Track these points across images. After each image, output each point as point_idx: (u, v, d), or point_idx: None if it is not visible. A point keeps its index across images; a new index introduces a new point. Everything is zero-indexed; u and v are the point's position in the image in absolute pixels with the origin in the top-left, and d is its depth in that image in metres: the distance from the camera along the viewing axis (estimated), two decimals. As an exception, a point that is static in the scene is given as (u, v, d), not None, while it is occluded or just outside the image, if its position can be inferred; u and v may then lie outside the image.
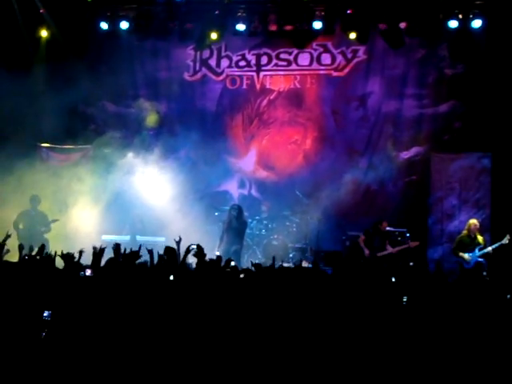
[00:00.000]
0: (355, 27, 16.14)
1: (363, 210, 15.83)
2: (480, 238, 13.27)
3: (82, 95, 16.35)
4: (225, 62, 17.12)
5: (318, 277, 7.18)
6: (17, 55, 15.91)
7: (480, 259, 13.21)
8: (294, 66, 16.98)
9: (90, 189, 15.62)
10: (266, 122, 17.11)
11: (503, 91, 15.30)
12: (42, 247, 8.63)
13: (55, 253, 7.89)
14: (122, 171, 15.76)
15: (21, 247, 9.47)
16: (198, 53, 17.17)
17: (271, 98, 17.09)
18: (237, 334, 5.85)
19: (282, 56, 16.97)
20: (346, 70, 16.73)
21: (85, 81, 16.03)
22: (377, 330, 5.95)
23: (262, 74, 17.08)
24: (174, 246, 8.96)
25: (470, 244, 13.19)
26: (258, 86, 17.10)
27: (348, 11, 15.96)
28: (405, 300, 6.58)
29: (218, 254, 11.04)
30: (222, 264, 7.68)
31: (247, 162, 17.03)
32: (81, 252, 8.32)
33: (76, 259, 7.81)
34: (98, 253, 7.82)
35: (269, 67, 17.05)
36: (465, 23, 15.47)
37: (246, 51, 17.04)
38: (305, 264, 14.45)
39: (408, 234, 14.68)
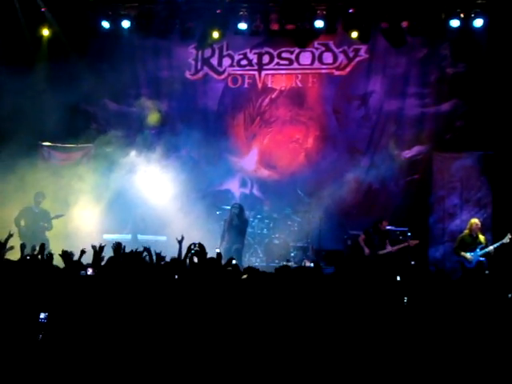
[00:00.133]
0: (357, 26, 16.14)
1: (365, 209, 15.83)
2: (482, 238, 13.25)
3: (84, 94, 16.36)
4: (226, 61, 17.13)
5: (320, 277, 7.18)
6: (18, 54, 15.90)
7: (482, 258, 13.20)
8: (295, 65, 16.97)
9: (92, 188, 15.62)
10: (268, 121, 17.11)
11: (505, 90, 15.28)
12: (43, 246, 8.62)
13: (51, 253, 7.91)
14: (123, 170, 15.75)
15: (23, 246, 9.48)
16: (200, 52, 17.16)
17: (273, 96, 17.09)
18: (238, 334, 5.85)
19: (284, 55, 16.97)
20: (348, 69, 16.73)
21: (86, 79, 16.03)
22: (380, 330, 5.94)
23: (263, 72, 17.08)
24: (176, 244, 8.99)
25: (471, 243, 13.17)
26: (259, 85, 17.10)
27: (350, 10, 15.96)
28: (405, 300, 6.57)
29: (218, 251, 11.02)
30: (223, 262, 7.69)
31: (249, 161, 17.03)
32: (82, 252, 8.32)
33: (76, 258, 7.81)
34: (97, 251, 7.83)
35: (270, 66, 17.05)
36: (466, 22, 15.47)
37: (248, 50, 17.04)
38: (306, 263, 14.47)
39: (409, 234, 14.68)
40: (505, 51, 15.23)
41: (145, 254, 7.84)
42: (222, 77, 17.19)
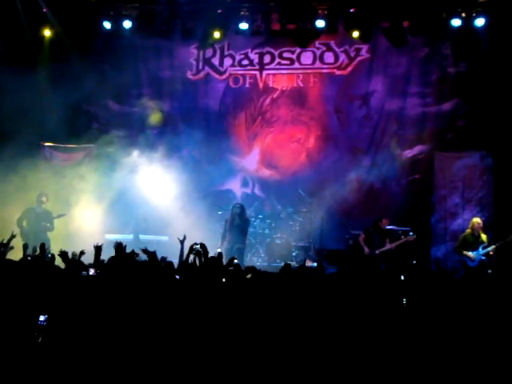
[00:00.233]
0: (358, 26, 16.15)
1: (366, 208, 15.81)
2: (484, 237, 13.23)
3: (86, 94, 16.38)
4: (228, 61, 17.14)
5: (322, 277, 7.19)
6: (20, 54, 15.90)
7: (483, 258, 13.19)
8: (296, 65, 16.98)
9: (94, 188, 15.64)
10: (269, 121, 17.12)
11: (506, 89, 15.27)
12: (43, 246, 8.64)
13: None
14: (125, 170, 15.76)
15: (25, 246, 9.50)
16: (201, 52, 17.18)
17: (274, 96, 17.10)
18: (240, 334, 5.85)
19: (285, 55, 16.98)
20: (349, 69, 16.73)
21: (88, 80, 16.05)
22: (383, 330, 5.95)
23: (264, 72, 17.09)
24: (178, 244, 9.00)
25: (473, 242, 13.15)
26: (260, 85, 17.11)
27: (351, 10, 15.96)
28: (404, 302, 6.56)
29: (219, 250, 11.04)
30: (224, 261, 7.69)
31: (250, 161, 17.04)
32: (81, 253, 8.32)
33: (75, 258, 7.81)
34: (96, 251, 7.82)
35: (272, 66, 17.06)
36: (468, 22, 15.46)
37: (249, 50, 17.05)
38: (308, 263, 14.48)
39: (411, 233, 14.67)
40: (506, 50, 15.22)
41: (142, 255, 7.82)
42: (224, 77, 17.20)
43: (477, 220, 13.46)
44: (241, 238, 13.88)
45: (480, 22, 15.36)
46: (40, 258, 8.08)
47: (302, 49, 16.88)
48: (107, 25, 16.48)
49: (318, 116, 16.89)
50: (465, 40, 15.77)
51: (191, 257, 7.75)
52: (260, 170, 17.07)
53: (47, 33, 16.58)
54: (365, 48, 16.59)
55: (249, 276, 6.93)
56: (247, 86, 17.17)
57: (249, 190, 17.13)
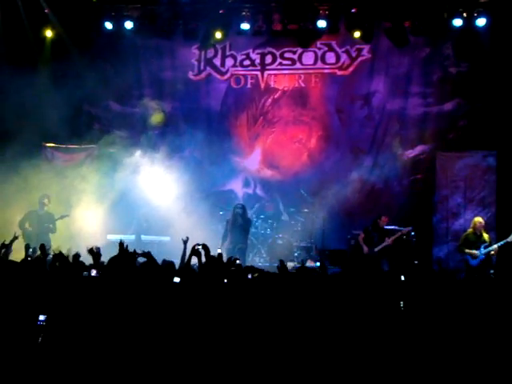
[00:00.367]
0: (359, 26, 16.15)
1: (368, 208, 15.79)
2: (486, 236, 13.22)
3: (87, 95, 16.41)
4: (229, 62, 17.15)
5: (325, 277, 7.19)
6: (22, 55, 15.92)
7: (484, 257, 13.18)
8: (298, 65, 16.99)
9: (95, 188, 15.64)
10: (271, 121, 17.13)
11: (508, 89, 15.28)
12: (43, 247, 8.64)
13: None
14: (127, 171, 15.76)
15: (27, 247, 9.51)
16: (203, 52, 17.21)
17: (275, 97, 17.11)
18: (242, 335, 5.86)
19: (287, 55, 16.99)
20: (351, 69, 16.74)
21: (89, 80, 16.06)
22: (384, 330, 5.95)
23: (266, 73, 17.10)
24: (180, 245, 9.00)
25: (475, 241, 13.15)
26: (262, 85, 17.12)
27: (352, 10, 15.97)
28: (402, 305, 6.56)
29: (219, 251, 11.03)
30: (225, 261, 7.68)
31: (252, 161, 17.05)
32: (76, 255, 8.30)
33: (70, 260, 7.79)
34: (95, 253, 7.81)
35: (273, 66, 17.07)
36: (469, 22, 15.46)
37: (251, 50, 17.06)
38: (310, 263, 14.49)
39: (413, 233, 14.68)
40: (507, 50, 15.23)
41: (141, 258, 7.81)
42: (225, 77, 17.21)
43: (478, 219, 13.46)
44: (243, 238, 13.88)
45: (481, 21, 15.36)
46: (41, 259, 8.08)
47: (304, 49, 16.88)
48: (109, 25, 16.50)
49: (320, 116, 16.89)
50: (466, 40, 15.77)
51: (195, 259, 7.75)
52: (261, 170, 17.08)
53: (49, 33, 16.60)
54: (366, 48, 16.59)
55: (256, 275, 6.94)
56: (249, 86, 17.18)
57: (250, 191, 17.14)
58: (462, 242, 13.43)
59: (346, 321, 6.05)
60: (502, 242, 13.03)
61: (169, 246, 14.05)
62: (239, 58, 17.13)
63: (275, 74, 17.12)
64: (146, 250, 7.76)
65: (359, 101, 16.73)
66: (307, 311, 6.15)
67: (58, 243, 13.16)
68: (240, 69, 17.17)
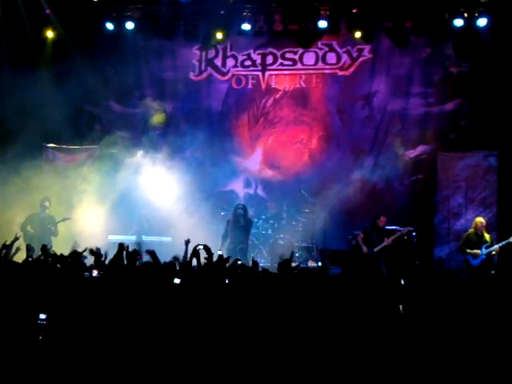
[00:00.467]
0: (360, 26, 16.16)
1: (369, 208, 15.76)
2: (487, 236, 13.22)
3: (88, 95, 16.42)
4: (230, 62, 17.15)
5: (326, 278, 7.19)
6: (23, 56, 15.93)
7: (484, 257, 13.18)
8: (299, 66, 16.99)
9: (96, 189, 15.64)
10: (272, 122, 17.13)
11: (509, 89, 15.28)
12: (44, 248, 8.65)
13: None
14: (128, 171, 15.76)
15: (28, 248, 9.51)
16: (204, 52, 17.21)
17: (276, 97, 17.10)
18: (243, 335, 5.86)
19: (288, 55, 16.99)
20: (352, 69, 16.74)
21: (90, 81, 16.09)
22: (385, 331, 5.95)
23: (267, 73, 17.10)
24: (182, 245, 9.00)
25: (477, 242, 13.15)
26: (263, 86, 17.12)
27: (353, 10, 15.97)
28: (401, 308, 6.55)
29: (220, 253, 11.02)
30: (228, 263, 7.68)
31: (253, 162, 17.04)
32: (76, 255, 8.29)
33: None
34: (97, 254, 7.82)
35: (274, 67, 17.07)
36: (470, 22, 15.46)
37: (252, 51, 17.06)
38: (311, 263, 14.49)
39: (414, 233, 14.68)
40: (508, 50, 15.24)
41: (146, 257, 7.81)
42: (226, 77, 17.21)
43: (480, 219, 13.46)
44: (244, 239, 13.89)
45: (482, 21, 15.36)
46: (42, 260, 8.08)
47: (305, 49, 16.89)
48: (110, 26, 16.51)
49: (321, 116, 16.89)
50: (467, 40, 15.78)
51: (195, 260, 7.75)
52: (263, 170, 17.07)
53: (50, 34, 16.60)
54: (367, 48, 16.59)
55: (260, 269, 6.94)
56: (250, 86, 17.17)
57: (251, 191, 17.14)
58: (463, 242, 13.43)
59: (346, 321, 6.05)
60: (503, 242, 13.03)
61: (170, 247, 14.03)
62: (240, 58, 17.13)
63: (276, 75, 17.12)
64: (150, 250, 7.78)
65: (360, 101, 16.73)
66: (308, 312, 6.15)
67: (59, 243, 13.27)
68: (241, 69, 17.17)
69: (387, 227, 14.22)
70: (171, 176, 16.05)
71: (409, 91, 16.38)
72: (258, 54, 17.07)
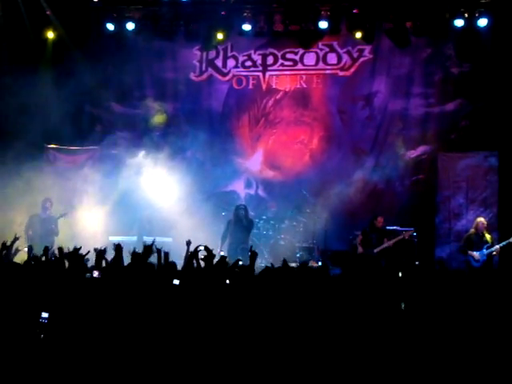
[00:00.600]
0: (361, 26, 16.17)
1: (370, 209, 15.73)
2: (488, 237, 13.23)
3: (89, 96, 16.46)
4: (231, 63, 17.16)
5: (326, 277, 7.19)
6: (23, 56, 15.92)
7: (486, 258, 13.19)
8: (299, 66, 16.99)
9: (97, 190, 15.65)
10: (273, 122, 17.13)
11: (510, 89, 15.28)
12: (46, 249, 8.64)
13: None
14: (129, 172, 15.75)
15: (30, 249, 9.50)
16: (204, 53, 17.21)
17: (277, 97, 17.11)
18: (243, 335, 5.86)
19: (288, 56, 16.99)
20: (352, 70, 16.74)
21: (91, 82, 16.09)
22: (385, 330, 5.95)
23: (267, 73, 17.10)
24: (183, 246, 9.00)
25: (478, 242, 13.16)
26: (264, 86, 17.12)
27: (354, 11, 15.99)
28: (403, 306, 6.56)
29: (222, 253, 11.03)
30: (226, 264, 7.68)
31: (254, 162, 17.05)
32: (77, 255, 8.28)
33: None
34: (98, 254, 7.81)
35: (275, 67, 17.07)
36: (471, 22, 15.47)
37: (252, 51, 17.07)
38: (312, 264, 14.47)
39: (415, 233, 14.68)
40: (509, 50, 15.23)
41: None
42: (227, 78, 17.22)
43: (481, 220, 13.47)
44: (245, 239, 13.90)
45: (483, 22, 15.36)
46: (44, 261, 8.07)
47: (305, 50, 16.89)
48: (110, 27, 16.53)
49: (321, 117, 16.89)
50: (468, 40, 15.78)
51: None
52: (263, 170, 17.08)
53: (50, 35, 16.60)
54: (368, 49, 16.60)
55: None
56: (250, 87, 17.18)
57: (252, 191, 17.14)
58: (464, 242, 13.44)
59: (345, 320, 6.05)
60: (504, 243, 13.04)
61: (171, 248, 14.01)
62: (241, 58, 17.13)
63: (277, 75, 17.12)
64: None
65: (361, 101, 16.74)
66: (308, 312, 6.16)
67: (61, 244, 13.24)
68: (242, 70, 17.18)
69: (387, 227, 14.24)
70: (172, 177, 16.04)
71: (409, 91, 16.38)
72: (259, 54, 17.08)
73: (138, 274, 6.90)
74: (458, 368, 5.58)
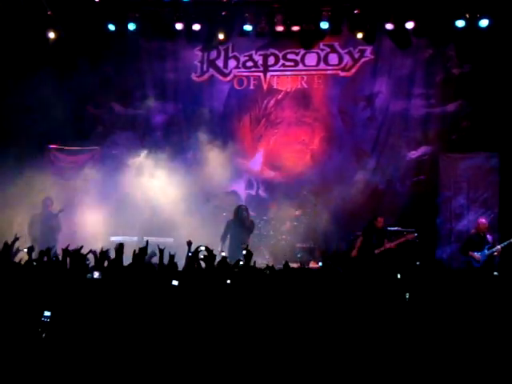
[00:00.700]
0: (362, 27, 16.18)
1: (371, 209, 15.74)
2: (489, 237, 13.25)
3: (90, 96, 16.46)
4: (232, 63, 17.17)
5: (327, 277, 7.18)
6: (24, 57, 15.94)
7: (487, 259, 13.19)
8: (301, 67, 17.00)
9: (98, 190, 15.65)
10: (274, 123, 17.13)
11: (510, 90, 15.28)
12: (48, 250, 8.64)
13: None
14: (130, 172, 15.77)
15: (31, 249, 9.49)
16: (206, 54, 17.21)
17: (278, 98, 17.11)
18: (245, 336, 5.86)
19: (289, 56, 17.00)
20: (353, 70, 16.74)
21: (92, 82, 16.10)
22: (385, 329, 5.95)
23: (269, 74, 17.11)
24: (183, 246, 9.01)
25: (479, 243, 13.16)
26: (265, 87, 17.12)
27: (355, 11, 15.99)
28: (407, 296, 6.57)
29: (223, 254, 11.03)
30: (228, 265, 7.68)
31: (255, 163, 17.05)
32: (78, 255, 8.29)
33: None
34: (102, 255, 7.81)
35: (276, 68, 17.08)
36: (472, 23, 15.46)
37: (253, 52, 17.08)
38: (313, 264, 14.48)
39: (416, 234, 14.66)
40: (510, 52, 15.24)
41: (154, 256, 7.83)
42: (228, 78, 17.22)
43: (482, 221, 13.48)
44: (247, 240, 13.90)
45: (484, 23, 15.35)
46: (45, 261, 8.07)
47: (306, 50, 16.90)
48: (111, 27, 16.52)
49: (323, 117, 16.89)
50: (469, 41, 15.77)
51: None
52: (264, 171, 17.08)
53: (52, 35, 16.59)
54: (369, 49, 16.60)
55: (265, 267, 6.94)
56: (251, 87, 17.19)
57: (253, 192, 17.14)
58: (465, 243, 13.45)
59: (347, 320, 6.05)
60: (505, 243, 13.05)
61: (172, 248, 14.00)
62: (242, 59, 17.14)
63: (278, 76, 17.13)
64: (150, 252, 7.79)
65: (362, 102, 16.73)
66: (308, 311, 6.16)
67: (61, 245, 13.24)
68: (243, 70, 17.18)
69: (389, 228, 14.24)
70: (173, 177, 16.03)
71: (411, 92, 16.37)
72: (260, 54, 17.08)
73: (138, 274, 6.90)
74: (459, 368, 5.58)
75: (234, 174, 16.84)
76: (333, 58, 16.82)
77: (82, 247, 7.95)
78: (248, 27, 16.30)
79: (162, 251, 7.74)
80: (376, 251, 13.67)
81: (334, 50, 16.80)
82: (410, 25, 15.83)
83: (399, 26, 15.98)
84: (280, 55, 17.00)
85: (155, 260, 7.91)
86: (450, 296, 6.50)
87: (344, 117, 16.84)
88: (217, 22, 16.45)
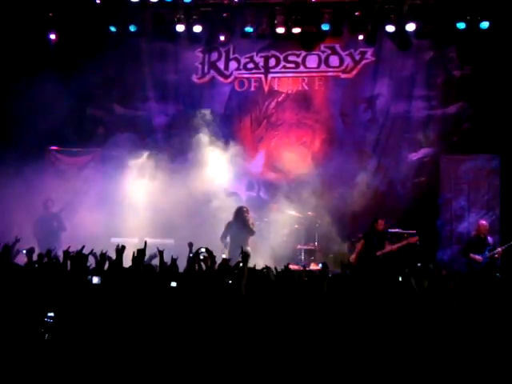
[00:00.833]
0: (363, 29, 16.17)
1: (372, 211, 15.74)
2: (490, 239, 13.25)
3: (91, 98, 16.46)
4: (233, 65, 17.17)
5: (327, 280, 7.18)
6: (25, 58, 15.94)
7: (488, 260, 13.19)
8: (301, 68, 17.00)
9: (99, 191, 15.64)
10: (275, 124, 17.13)
11: (511, 92, 15.29)
12: (48, 252, 8.64)
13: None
14: (131, 174, 15.77)
15: (31, 251, 9.48)
16: (207, 55, 17.21)
17: (279, 100, 17.11)
18: (246, 338, 5.86)
19: (290, 58, 17.00)
20: (354, 72, 16.74)
21: (93, 83, 16.10)
22: (385, 330, 5.95)
23: (270, 76, 17.11)
24: (184, 248, 9.01)
25: (480, 245, 13.16)
26: (266, 89, 17.13)
27: (356, 13, 15.98)
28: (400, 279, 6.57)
29: (224, 256, 11.04)
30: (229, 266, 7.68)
31: (256, 164, 17.05)
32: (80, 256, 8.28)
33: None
34: (103, 257, 7.81)
35: (277, 69, 17.08)
36: (473, 25, 15.47)
37: (254, 53, 17.08)
38: (314, 266, 14.47)
39: (418, 237, 14.64)
40: (511, 53, 15.22)
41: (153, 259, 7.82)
42: (229, 80, 17.22)
43: (483, 222, 13.48)
44: (246, 241, 13.90)
45: (485, 25, 15.36)
46: (46, 263, 8.07)
47: (307, 52, 16.91)
48: (113, 28, 16.53)
49: (324, 119, 16.90)
50: (470, 43, 15.78)
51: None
52: (265, 173, 17.08)
53: (53, 36, 16.60)
54: (370, 51, 16.60)
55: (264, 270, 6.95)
56: (252, 89, 17.19)
57: (254, 193, 17.13)
58: (466, 245, 13.45)
59: (344, 320, 6.05)
60: (506, 245, 13.05)
61: (173, 249, 14.00)
62: (243, 61, 17.13)
63: (279, 77, 17.13)
64: (151, 253, 7.79)
65: (363, 104, 16.74)
66: (307, 312, 6.16)
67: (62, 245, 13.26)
68: (244, 72, 17.18)
69: (390, 230, 14.23)
70: (174, 178, 16.01)
71: (411, 94, 16.38)
72: (261, 56, 17.08)
73: (138, 276, 6.90)
74: (461, 370, 5.58)
75: (235, 175, 16.82)
76: (334, 60, 16.82)
77: (83, 247, 7.94)
78: (249, 29, 16.31)
79: (161, 253, 7.73)
80: (378, 253, 13.66)
81: (334, 52, 16.81)
82: (410, 27, 15.82)
83: (400, 27, 15.98)
84: (281, 57, 17.01)
85: (155, 262, 7.90)
86: (453, 298, 6.50)
87: (345, 119, 16.85)
88: (218, 23, 16.45)
